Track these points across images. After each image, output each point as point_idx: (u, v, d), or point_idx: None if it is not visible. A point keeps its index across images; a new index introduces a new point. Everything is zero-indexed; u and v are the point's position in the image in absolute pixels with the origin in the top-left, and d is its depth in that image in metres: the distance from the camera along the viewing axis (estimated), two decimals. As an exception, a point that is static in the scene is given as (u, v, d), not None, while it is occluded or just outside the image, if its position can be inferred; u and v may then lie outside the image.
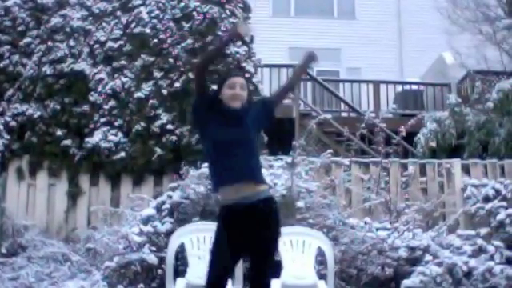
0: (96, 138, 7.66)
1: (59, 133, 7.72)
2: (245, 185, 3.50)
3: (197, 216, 5.87)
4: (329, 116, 10.21)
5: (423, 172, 7.48)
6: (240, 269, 5.33)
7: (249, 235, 3.49)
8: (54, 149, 7.69)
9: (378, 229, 6.25)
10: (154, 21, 8.15)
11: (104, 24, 8.30)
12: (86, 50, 8.16)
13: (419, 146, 10.23)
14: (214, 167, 3.65)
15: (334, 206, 6.40)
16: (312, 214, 6.13)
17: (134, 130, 7.72)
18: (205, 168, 6.27)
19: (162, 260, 5.62)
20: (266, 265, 3.54)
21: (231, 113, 3.62)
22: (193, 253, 5.30)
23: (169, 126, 7.66)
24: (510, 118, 9.38)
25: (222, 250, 3.50)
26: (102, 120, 7.81)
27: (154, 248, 5.81)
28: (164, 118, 7.71)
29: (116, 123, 7.79)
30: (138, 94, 7.85)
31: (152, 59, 7.99)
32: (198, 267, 5.18)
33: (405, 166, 7.47)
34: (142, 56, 8.01)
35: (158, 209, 6.26)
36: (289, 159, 6.63)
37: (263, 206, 3.53)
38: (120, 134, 7.72)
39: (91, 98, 7.90)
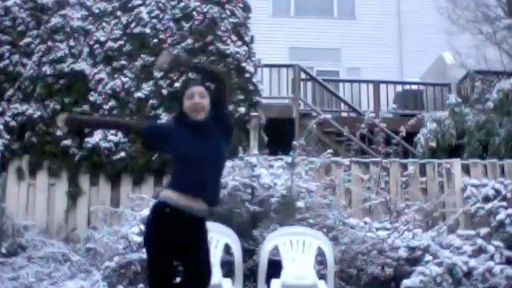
0: (96, 138, 7.65)
1: (59, 133, 7.71)
2: (201, 202, 3.48)
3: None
4: (329, 116, 10.22)
5: (423, 172, 7.47)
6: (240, 268, 5.34)
7: (181, 241, 3.46)
8: (54, 149, 7.68)
9: (378, 229, 6.25)
10: (154, 21, 8.15)
11: (104, 24, 8.29)
12: (86, 49, 8.16)
13: (419, 146, 10.24)
14: (176, 177, 3.59)
15: (334, 206, 6.40)
16: (312, 214, 6.13)
17: (134, 130, 7.71)
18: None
19: (161, 260, 5.61)
20: (200, 271, 3.51)
21: (196, 126, 3.57)
22: (193, 253, 5.29)
23: (169, 126, 7.66)
24: (510, 118, 9.38)
25: (161, 250, 3.46)
26: (102, 120, 7.81)
27: (154, 248, 5.81)
28: (164, 118, 7.70)
29: (116, 123, 7.78)
30: (138, 94, 7.85)
31: (152, 59, 7.97)
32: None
33: (405, 166, 7.47)
34: (142, 56, 8.01)
35: (158, 209, 6.26)
36: (289, 159, 6.63)
37: (202, 220, 3.56)
38: (120, 134, 7.72)
39: (91, 98, 7.90)
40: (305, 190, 6.32)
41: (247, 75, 7.94)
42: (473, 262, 5.82)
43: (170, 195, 3.50)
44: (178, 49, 7.95)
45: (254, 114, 7.83)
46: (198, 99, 3.59)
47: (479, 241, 6.20)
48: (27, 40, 8.12)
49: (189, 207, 3.45)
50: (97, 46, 8.17)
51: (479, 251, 6.08)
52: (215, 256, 5.05)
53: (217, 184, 3.63)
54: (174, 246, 3.45)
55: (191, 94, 3.61)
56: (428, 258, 5.83)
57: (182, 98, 3.65)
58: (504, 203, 6.67)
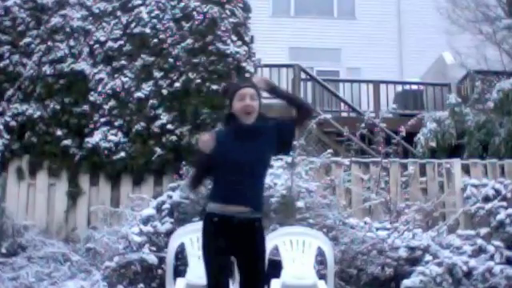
0: (96, 138, 7.66)
1: (59, 133, 7.71)
2: (245, 208, 3.43)
3: (197, 216, 5.87)
4: (329, 116, 10.22)
5: (423, 172, 7.48)
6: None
7: (238, 249, 3.45)
8: (54, 149, 7.69)
9: (377, 229, 6.25)
10: (154, 21, 8.15)
11: (104, 24, 8.29)
12: (86, 49, 8.16)
13: (419, 146, 10.23)
14: (219, 182, 3.51)
15: (334, 206, 6.40)
16: (312, 214, 6.13)
17: (133, 130, 7.72)
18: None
19: (161, 260, 5.62)
20: (257, 280, 3.47)
21: (245, 130, 3.48)
22: (193, 253, 5.30)
23: (169, 126, 7.66)
24: (510, 118, 9.38)
25: (218, 253, 3.42)
26: (102, 120, 7.81)
27: (154, 248, 5.82)
28: (164, 118, 7.71)
29: (116, 123, 7.78)
30: (138, 94, 7.85)
31: (152, 59, 7.98)
32: (198, 267, 5.16)
33: (405, 166, 7.47)
34: (142, 56, 8.01)
35: (158, 209, 6.27)
36: (289, 159, 6.63)
37: (257, 224, 3.49)
38: (120, 134, 7.72)
39: (91, 98, 7.90)
40: (305, 190, 6.33)
41: (247, 75, 7.94)
42: (473, 262, 5.82)
43: (214, 207, 3.47)
44: (177, 49, 7.96)
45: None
46: (249, 101, 3.47)
47: (479, 241, 6.20)
48: (27, 40, 8.12)
49: (234, 213, 3.40)
50: (97, 46, 8.17)
51: (479, 251, 6.08)
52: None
53: (257, 188, 3.51)
54: (229, 252, 3.43)
55: (243, 96, 3.48)
56: (428, 258, 5.83)
57: (232, 99, 3.52)
58: (504, 203, 6.68)
